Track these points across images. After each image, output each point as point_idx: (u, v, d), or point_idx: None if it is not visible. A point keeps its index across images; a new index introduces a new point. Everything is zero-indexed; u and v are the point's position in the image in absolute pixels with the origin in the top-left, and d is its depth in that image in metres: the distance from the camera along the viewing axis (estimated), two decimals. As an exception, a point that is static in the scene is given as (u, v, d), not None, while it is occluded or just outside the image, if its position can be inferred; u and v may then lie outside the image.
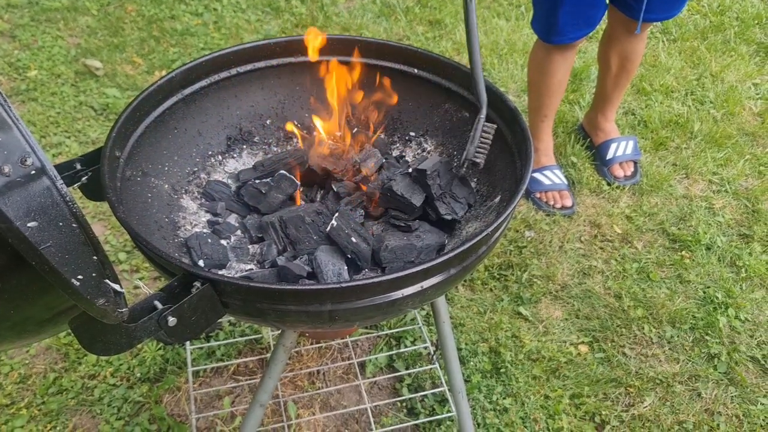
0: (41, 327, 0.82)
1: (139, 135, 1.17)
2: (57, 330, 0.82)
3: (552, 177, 2.28)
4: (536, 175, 2.29)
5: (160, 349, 1.78)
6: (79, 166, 1.09)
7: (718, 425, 1.68)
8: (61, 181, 0.65)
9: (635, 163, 2.38)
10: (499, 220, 0.97)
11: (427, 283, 0.94)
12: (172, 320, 0.88)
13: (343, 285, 0.88)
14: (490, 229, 0.96)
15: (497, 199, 1.20)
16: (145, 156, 1.19)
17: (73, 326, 0.82)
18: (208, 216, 1.24)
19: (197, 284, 0.90)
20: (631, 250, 2.14)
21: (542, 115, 2.26)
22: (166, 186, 1.23)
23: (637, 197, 2.32)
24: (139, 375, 1.73)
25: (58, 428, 1.62)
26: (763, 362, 1.83)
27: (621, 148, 2.37)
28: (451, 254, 0.92)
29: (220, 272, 1.12)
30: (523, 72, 2.84)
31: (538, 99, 2.23)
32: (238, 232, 1.22)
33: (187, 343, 1.73)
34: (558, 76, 2.15)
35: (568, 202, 2.24)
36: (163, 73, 2.82)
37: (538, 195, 2.27)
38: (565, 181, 2.29)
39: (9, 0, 3.18)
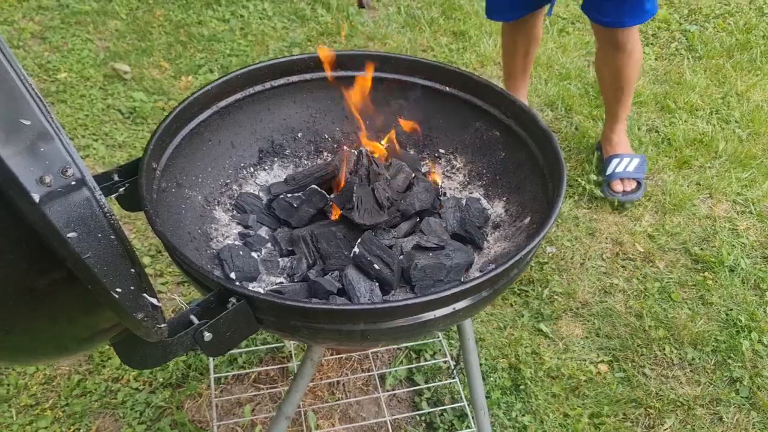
0: (79, 345, 0.83)
1: (175, 146, 1.19)
2: (92, 348, 0.84)
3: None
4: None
5: (184, 355, 1.79)
6: (116, 177, 1.10)
7: (738, 450, 1.68)
8: (100, 192, 0.66)
9: (638, 181, 2.35)
10: (532, 245, 0.98)
11: (459, 305, 0.95)
12: (207, 335, 0.89)
13: (377, 306, 0.89)
14: (522, 253, 0.96)
15: (527, 220, 1.21)
16: (180, 167, 1.21)
17: (112, 343, 0.84)
18: (240, 228, 1.26)
19: (233, 300, 0.91)
20: (653, 269, 2.13)
21: (505, 75, 2.50)
22: (200, 197, 1.25)
23: (659, 216, 2.32)
24: (161, 380, 1.75)
25: (81, 430, 1.64)
26: (785, 388, 1.82)
27: (623, 164, 2.35)
28: (484, 278, 0.93)
29: (251, 286, 1.13)
30: (547, 86, 2.84)
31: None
32: (269, 245, 1.24)
33: (210, 349, 1.75)
34: (506, 48, 2.39)
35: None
36: (190, 78, 2.85)
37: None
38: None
39: (40, 2, 3.23)
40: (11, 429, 1.63)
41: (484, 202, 1.31)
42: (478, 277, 0.93)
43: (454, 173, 1.39)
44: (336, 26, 3.22)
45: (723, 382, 1.83)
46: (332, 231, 1.19)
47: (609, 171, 2.36)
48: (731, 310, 2.00)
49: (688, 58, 3.11)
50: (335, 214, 1.23)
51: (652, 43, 3.27)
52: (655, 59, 3.15)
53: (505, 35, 2.39)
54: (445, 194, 1.36)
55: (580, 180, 2.40)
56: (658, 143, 2.60)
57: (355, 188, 1.16)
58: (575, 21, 3.39)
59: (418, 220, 1.26)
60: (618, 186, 2.33)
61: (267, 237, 1.25)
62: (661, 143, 2.60)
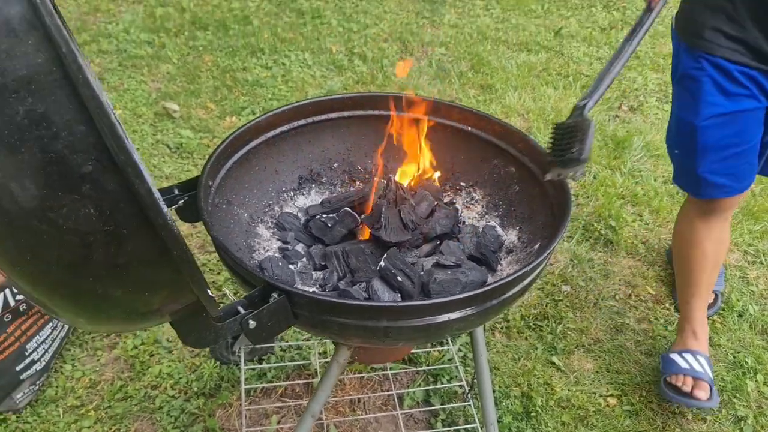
0: (145, 318, 0.97)
1: (227, 169, 1.36)
2: (153, 323, 0.98)
3: (692, 361, 1.87)
4: (673, 356, 1.91)
5: (216, 367, 1.93)
6: (177, 192, 1.27)
7: (741, 485, 1.74)
8: (164, 203, 0.81)
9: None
10: (534, 263, 1.11)
11: (470, 310, 1.08)
12: (252, 323, 1.04)
13: (399, 304, 1.03)
14: (526, 269, 1.10)
15: (536, 246, 1.34)
16: (231, 187, 1.38)
17: (173, 320, 0.99)
18: (279, 243, 1.41)
19: (274, 295, 1.06)
20: (664, 311, 2.23)
21: (689, 293, 1.93)
22: (246, 215, 1.41)
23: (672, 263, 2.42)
24: (196, 389, 1.89)
25: (121, 430, 1.77)
26: (789, 428, 1.88)
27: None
28: (493, 286, 1.06)
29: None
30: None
31: (681, 271, 1.97)
32: (304, 259, 1.39)
33: (242, 362, 1.89)
34: (705, 244, 1.86)
35: (702, 394, 1.79)
36: (234, 118, 3.08)
37: (668, 378, 1.87)
38: (710, 374, 1.85)
39: (100, 46, 3.52)
40: (58, 426, 1.77)
41: (499, 229, 1.45)
42: (487, 286, 1.06)
43: (473, 204, 1.54)
44: (371, 76, 3.45)
45: (728, 420, 1.90)
46: (361, 248, 1.33)
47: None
48: (738, 352, 2.08)
49: (705, 116, 3.25)
50: (365, 234, 1.38)
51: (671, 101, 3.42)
52: (674, 116, 3.29)
53: (697, 222, 1.86)
54: (464, 222, 1.50)
55: (596, 225, 2.52)
56: (673, 194, 2.72)
57: (383, 210, 1.32)
58: (597, 78, 3.56)
59: (438, 242, 1.40)
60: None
61: (303, 252, 1.40)
62: (677, 194, 2.72)
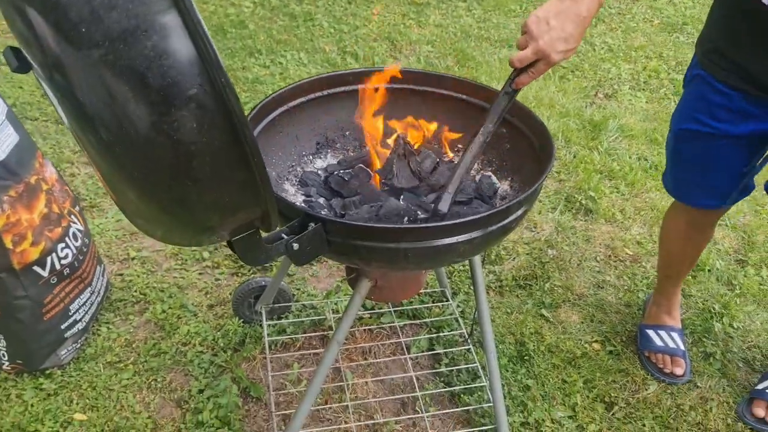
0: (200, 234, 1.15)
1: (257, 132, 1.57)
2: (217, 238, 1.16)
3: (666, 338, 2.11)
4: (649, 332, 2.14)
5: (240, 325, 2.13)
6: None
7: (710, 409, 1.97)
8: None
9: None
10: (528, 192, 1.33)
11: (476, 233, 1.30)
12: (295, 246, 1.25)
13: (417, 225, 1.25)
14: (520, 197, 1.32)
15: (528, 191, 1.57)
16: (260, 149, 1.59)
17: (232, 240, 1.20)
18: (304, 197, 1.63)
19: (312, 224, 1.27)
20: (641, 269, 2.47)
21: (665, 274, 2.13)
22: (274, 173, 1.62)
23: (647, 228, 2.66)
24: (222, 345, 2.08)
25: (158, 380, 1.97)
26: (752, 362, 2.12)
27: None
28: (492, 211, 1.28)
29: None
30: (549, 122, 3.24)
31: (662, 256, 2.13)
32: (325, 211, 1.60)
33: (263, 320, 2.09)
34: (679, 242, 2.02)
35: (679, 371, 2.04)
36: (238, 112, 3.28)
37: (647, 354, 2.11)
38: (682, 347, 2.09)
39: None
40: (100, 379, 1.96)
41: (493, 178, 1.67)
42: (486, 211, 1.28)
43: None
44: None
45: (699, 356, 2.13)
46: (376, 196, 1.55)
47: (760, 386, 2.00)
48: (707, 300, 2.33)
49: (674, 101, 3.52)
50: (378, 184, 1.60)
51: (644, 89, 3.70)
52: (646, 102, 3.56)
53: (685, 225, 1.97)
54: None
55: (577, 197, 2.76)
56: (646, 169, 2.98)
57: (394, 162, 1.54)
58: (574, 69, 3.83)
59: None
60: (760, 410, 1.94)
61: (324, 204, 1.61)
62: (649, 169, 2.98)
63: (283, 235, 1.26)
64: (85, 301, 2.02)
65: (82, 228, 2.02)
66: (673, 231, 2.03)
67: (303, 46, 3.97)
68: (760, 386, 1.99)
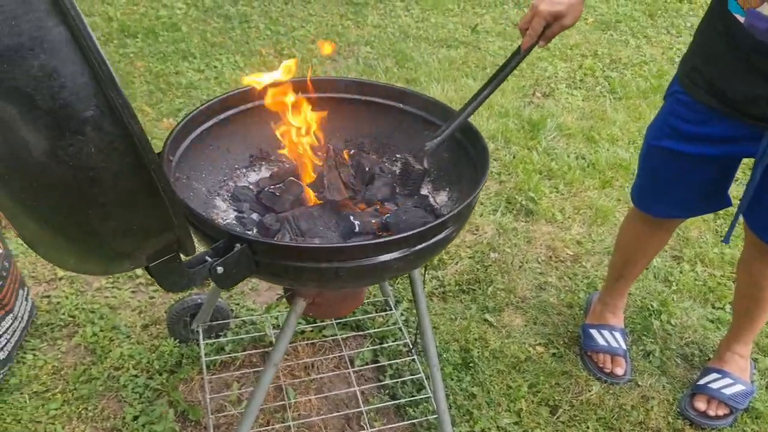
0: (128, 258, 1.08)
1: (185, 147, 1.50)
2: (134, 264, 1.09)
3: (609, 338, 2.12)
4: (592, 331, 2.16)
5: (175, 345, 2.04)
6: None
7: (652, 407, 1.99)
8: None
9: (732, 409, 1.96)
10: (461, 207, 1.31)
11: (409, 251, 1.26)
12: (219, 269, 1.19)
13: (347, 244, 1.20)
14: (453, 212, 1.29)
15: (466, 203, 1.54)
16: (189, 164, 1.52)
17: (150, 267, 1.13)
18: (235, 213, 1.56)
19: (238, 245, 1.21)
20: (582, 268, 2.49)
21: (619, 275, 2.11)
22: (203, 189, 1.55)
23: (587, 227, 2.69)
24: (157, 367, 1.99)
25: (89, 409, 1.87)
26: (690, 359, 2.16)
27: (724, 383, 1.99)
28: (427, 227, 1.25)
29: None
30: (488, 123, 3.25)
31: (617, 258, 2.11)
32: (255, 229, 1.54)
33: (201, 339, 2.01)
34: (637, 245, 2.02)
35: (619, 371, 2.06)
36: (171, 119, 3.17)
37: (589, 353, 2.12)
38: (624, 347, 2.12)
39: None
40: (25, 410, 1.84)
41: (431, 198, 1.63)
42: (420, 228, 1.25)
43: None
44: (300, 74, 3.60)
45: (639, 355, 2.16)
46: (310, 212, 1.50)
47: (702, 381, 2.03)
48: (645, 298, 2.36)
49: (609, 99, 3.58)
50: (311, 200, 1.54)
51: (579, 87, 3.75)
52: (583, 100, 3.61)
53: (644, 230, 1.98)
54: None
55: (517, 198, 2.77)
56: (584, 167, 3.01)
57: (324, 174, 1.49)
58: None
59: (377, 208, 1.58)
60: (701, 404, 1.97)
61: (257, 220, 1.55)
62: (587, 167, 3.01)
63: (207, 258, 1.20)
64: (7, 328, 1.90)
65: (1, 250, 1.90)
66: (632, 236, 2.03)
67: (239, 49, 3.87)
68: (701, 381, 2.02)
